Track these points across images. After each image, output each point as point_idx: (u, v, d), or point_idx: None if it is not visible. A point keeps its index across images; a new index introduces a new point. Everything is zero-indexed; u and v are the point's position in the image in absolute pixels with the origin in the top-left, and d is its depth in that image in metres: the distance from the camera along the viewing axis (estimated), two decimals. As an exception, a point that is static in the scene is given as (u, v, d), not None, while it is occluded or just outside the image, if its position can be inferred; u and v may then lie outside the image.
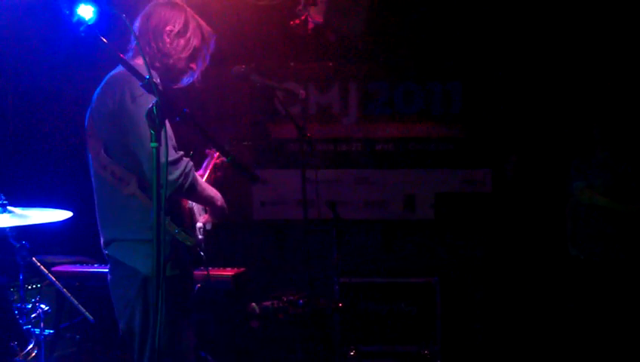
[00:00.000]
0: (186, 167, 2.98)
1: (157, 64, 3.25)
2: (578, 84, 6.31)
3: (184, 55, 3.29)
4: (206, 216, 3.36)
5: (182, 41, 3.28)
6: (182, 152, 3.02)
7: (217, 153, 3.62)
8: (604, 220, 5.39)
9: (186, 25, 3.29)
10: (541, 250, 6.04)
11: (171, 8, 3.31)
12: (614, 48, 6.19)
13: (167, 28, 3.26)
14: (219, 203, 3.29)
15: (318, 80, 6.73)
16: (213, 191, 3.28)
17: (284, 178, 6.56)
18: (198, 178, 3.13)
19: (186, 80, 3.38)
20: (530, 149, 6.46)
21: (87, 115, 3.23)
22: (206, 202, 3.27)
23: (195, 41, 3.31)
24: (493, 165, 6.58)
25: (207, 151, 3.69)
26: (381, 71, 6.70)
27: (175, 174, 2.94)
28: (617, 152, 5.47)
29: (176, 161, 2.96)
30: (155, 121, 2.37)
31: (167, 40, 3.25)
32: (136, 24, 3.31)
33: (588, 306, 5.45)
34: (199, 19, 3.38)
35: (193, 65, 3.35)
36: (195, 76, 3.40)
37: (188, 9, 3.35)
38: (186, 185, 2.98)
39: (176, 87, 3.38)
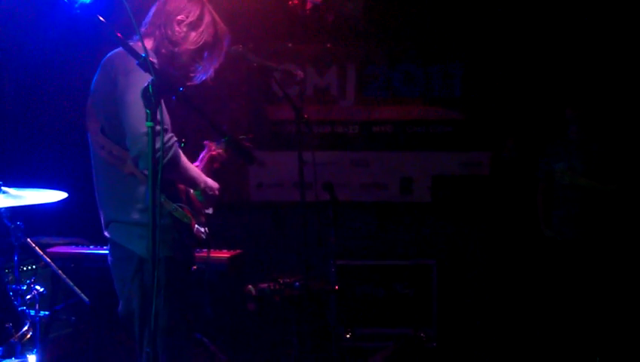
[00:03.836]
0: (168, 141, 2.94)
1: (163, 50, 3.24)
2: (561, 67, 6.30)
3: (191, 47, 3.26)
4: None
5: (192, 33, 3.26)
6: (166, 126, 2.98)
7: (214, 145, 3.58)
8: (584, 201, 5.41)
9: (200, 18, 3.27)
10: (538, 232, 6.03)
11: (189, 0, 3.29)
12: (594, 33, 6.21)
13: (179, 17, 3.24)
14: (201, 185, 3.25)
15: (315, 61, 6.69)
16: (196, 173, 3.25)
17: (281, 160, 6.54)
18: (183, 157, 3.09)
19: (198, 77, 3.35)
20: (529, 132, 6.44)
21: (89, 96, 3.22)
22: (188, 182, 3.23)
23: (206, 36, 3.28)
24: (492, 148, 6.56)
25: (205, 142, 3.66)
26: (380, 52, 6.66)
27: (155, 145, 2.89)
28: (591, 133, 5.49)
29: (157, 133, 2.89)
30: (151, 99, 2.35)
31: (177, 28, 3.24)
32: (153, 9, 3.30)
33: (570, 286, 5.48)
34: (216, 16, 3.35)
35: (199, 60, 3.31)
36: (209, 73, 3.37)
37: (207, 4, 3.33)
38: (166, 158, 2.92)
39: (190, 83, 3.34)
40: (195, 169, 3.27)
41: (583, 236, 5.43)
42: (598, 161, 5.41)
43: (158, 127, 2.85)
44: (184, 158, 3.12)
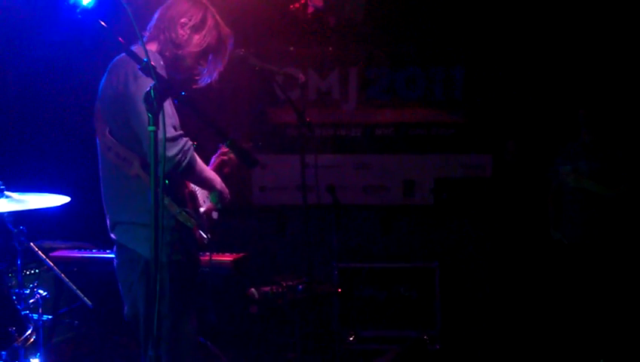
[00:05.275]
0: (184, 145, 2.99)
1: (167, 53, 3.26)
2: (568, 70, 6.29)
3: (195, 50, 3.29)
4: (210, 205, 3.36)
5: (196, 36, 3.28)
6: (181, 131, 3.01)
7: (226, 149, 3.60)
8: (589, 204, 5.40)
9: (203, 21, 3.30)
10: (541, 234, 6.02)
11: (192, 3, 3.32)
12: (602, 35, 6.19)
13: (182, 20, 3.27)
14: (218, 186, 3.31)
15: (317, 65, 6.69)
16: (212, 174, 3.30)
17: (284, 163, 6.54)
18: (198, 159, 3.13)
19: (203, 80, 3.38)
20: (530, 135, 6.44)
21: (97, 100, 3.24)
22: (205, 184, 3.28)
23: (209, 39, 3.31)
24: (493, 150, 6.56)
25: (220, 146, 3.68)
26: (382, 56, 6.66)
27: (173, 151, 2.94)
28: (602, 136, 5.47)
29: (175, 138, 2.96)
30: (153, 104, 2.35)
31: (181, 31, 3.26)
32: (157, 13, 3.33)
33: (573, 289, 5.47)
34: (219, 19, 3.37)
35: (203, 63, 3.33)
36: (214, 77, 3.39)
37: (210, 7, 3.36)
38: (184, 162, 2.98)
39: (195, 86, 3.37)
40: (210, 170, 3.31)
41: (588, 239, 5.41)
42: (606, 165, 5.37)
43: (179, 132, 2.98)
44: (199, 161, 3.15)
